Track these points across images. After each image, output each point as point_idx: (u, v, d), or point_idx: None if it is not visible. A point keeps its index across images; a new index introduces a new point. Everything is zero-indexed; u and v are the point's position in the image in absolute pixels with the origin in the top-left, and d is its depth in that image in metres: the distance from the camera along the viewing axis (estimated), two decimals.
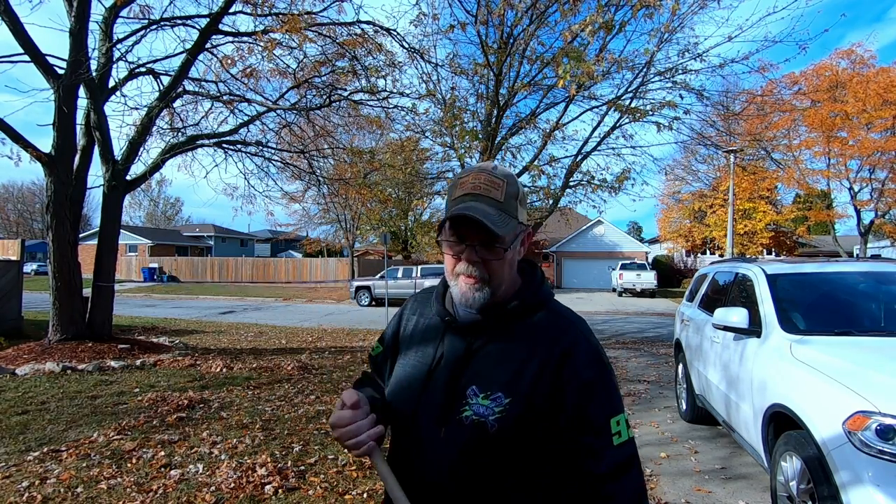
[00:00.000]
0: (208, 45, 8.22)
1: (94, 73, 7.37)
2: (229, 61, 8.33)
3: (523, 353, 0.98)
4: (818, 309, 3.65)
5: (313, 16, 7.88)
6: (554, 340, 0.98)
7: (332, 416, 0.99)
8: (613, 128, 10.33)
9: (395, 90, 9.12)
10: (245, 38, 8.28)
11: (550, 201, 10.73)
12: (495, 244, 0.97)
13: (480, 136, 9.32)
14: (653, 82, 9.90)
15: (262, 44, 7.83)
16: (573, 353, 0.96)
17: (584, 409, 0.94)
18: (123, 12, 7.64)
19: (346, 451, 1.00)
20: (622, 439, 0.94)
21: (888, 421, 2.19)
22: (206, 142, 8.89)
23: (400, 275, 20.20)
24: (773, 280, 3.79)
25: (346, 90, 9.15)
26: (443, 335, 1.06)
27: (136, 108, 8.31)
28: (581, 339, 0.99)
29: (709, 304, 4.92)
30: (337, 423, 0.97)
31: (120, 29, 7.93)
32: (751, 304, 3.79)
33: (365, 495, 3.29)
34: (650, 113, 9.56)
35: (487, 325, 1.01)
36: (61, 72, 7.21)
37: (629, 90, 9.82)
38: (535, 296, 1.04)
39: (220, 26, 8.01)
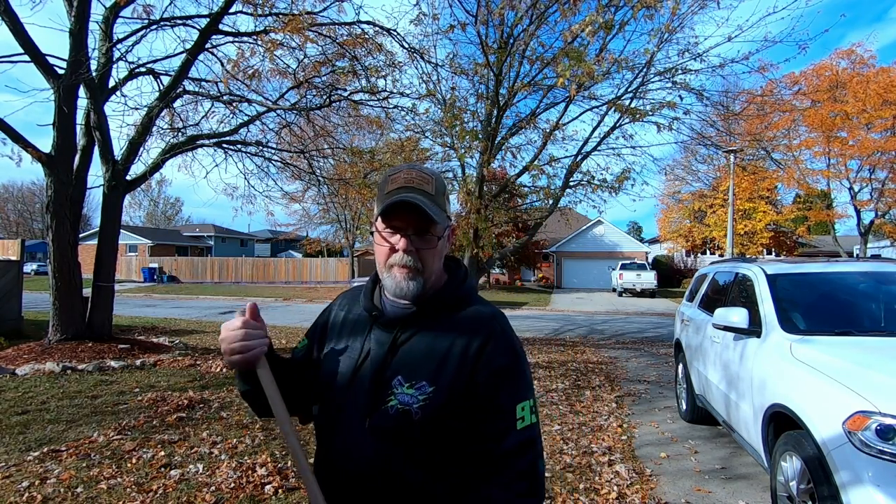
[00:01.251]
0: (208, 46, 8.21)
1: (94, 73, 7.36)
2: (234, 66, 8.32)
3: (446, 345, 1.03)
4: (818, 309, 3.65)
5: (314, 16, 7.88)
6: (474, 333, 1.03)
7: (225, 324, 1.04)
8: (613, 128, 10.32)
9: (395, 90, 9.11)
10: (245, 39, 8.27)
11: (550, 201, 10.72)
12: (428, 233, 1.03)
13: (480, 136, 9.31)
14: (653, 82, 9.89)
15: (263, 45, 7.82)
16: (489, 344, 1.02)
17: (494, 395, 1.00)
18: (124, 12, 7.64)
19: (227, 359, 1.02)
20: (525, 423, 1.00)
21: (888, 421, 2.19)
22: (206, 142, 8.89)
23: None
24: (773, 280, 3.79)
25: (346, 90, 9.13)
26: (370, 329, 1.09)
27: (136, 108, 8.31)
28: (497, 331, 1.05)
29: (709, 304, 4.92)
30: (226, 326, 1.02)
31: (120, 29, 7.91)
32: (751, 304, 3.79)
33: None
34: (650, 113, 9.54)
35: (413, 318, 1.06)
36: (61, 72, 7.20)
37: (629, 90, 9.81)
38: (459, 291, 1.10)
39: (221, 26, 8.00)
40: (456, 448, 1.00)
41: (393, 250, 1.04)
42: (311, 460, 1.11)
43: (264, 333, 1.05)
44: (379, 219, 1.06)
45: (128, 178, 8.40)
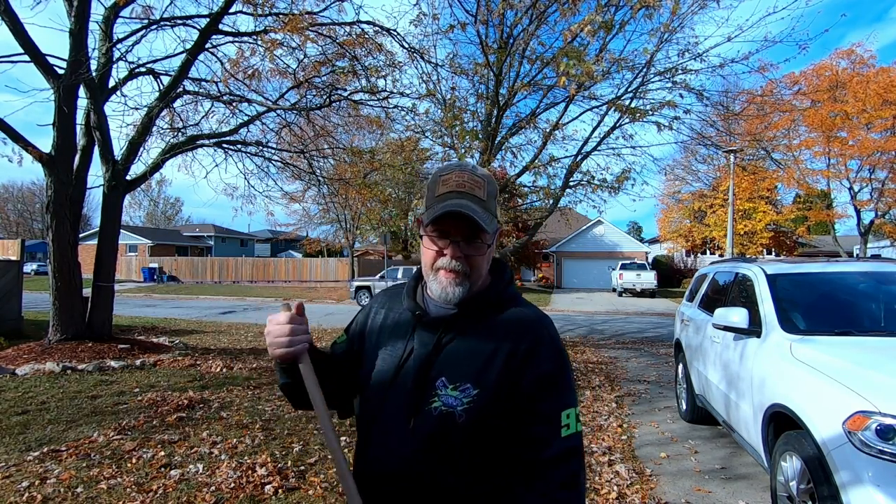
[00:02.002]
0: (208, 46, 8.22)
1: (94, 73, 7.36)
2: (234, 65, 8.32)
3: (491, 348, 1.01)
4: (818, 309, 3.65)
5: (314, 16, 7.88)
6: (520, 336, 1.02)
7: (270, 317, 1.05)
8: (613, 128, 10.32)
9: (395, 90, 9.11)
10: (245, 38, 8.28)
11: (550, 201, 10.72)
12: (477, 240, 1.02)
13: (480, 136, 9.31)
14: (653, 82, 9.89)
15: (263, 45, 7.83)
16: (536, 348, 1.01)
17: (538, 401, 0.98)
18: (124, 12, 7.64)
19: (272, 351, 1.05)
20: (570, 431, 0.99)
21: (888, 421, 2.19)
22: (206, 142, 8.89)
23: (400, 275, 20.19)
24: (773, 280, 3.79)
25: (346, 90, 9.14)
26: (413, 330, 1.08)
27: (136, 108, 8.32)
28: (545, 335, 1.03)
29: (709, 304, 4.92)
30: (273, 320, 1.04)
31: (120, 29, 7.92)
32: (751, 304, 3.79)
33: None
34: (650, 113, 9.54)
35: (457, 319, 1.04)
36: (61, 72, 7.20)
37: (629, 90, 9.81)
38: (503, 293, 1.09)
39: (221, 26, 8.01)
40: (498, 451, 0.99)
41: (440, 254, 1.03)
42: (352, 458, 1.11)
43: (307, 329, 1.06)
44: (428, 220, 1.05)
45: (128, 178, 8.40)
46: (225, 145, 9.14)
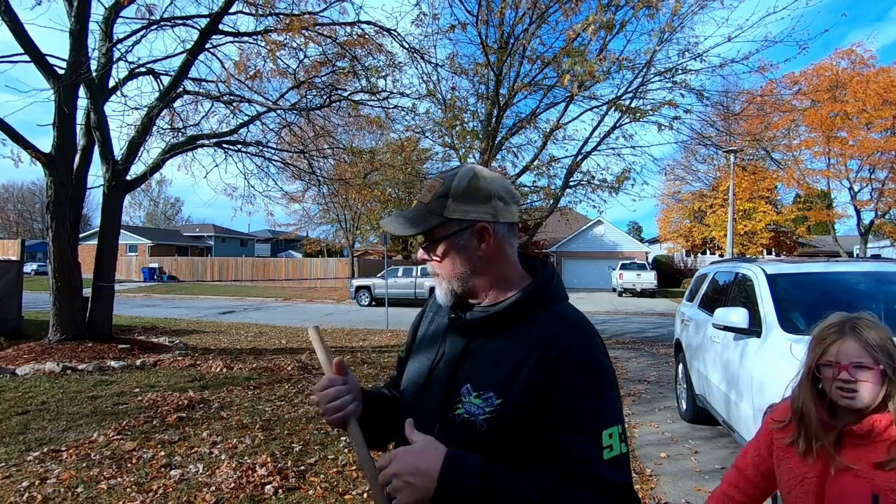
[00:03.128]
0: (209, 46, 8.22)
1: (94, 74, 7.37)
2: (238, 67, 8.33)
3: (520, 354, 0.95)
4: (818, 309, 3.62)
5: (314, 16, 7.89)
6: (552, 341, 0.94)
7: (315, 386, 1.06)
8: (613, 128, 10.34)
9: (395, 90, 9.14)
10: (246, 39, 8.28)
11: (550, 201, 10.74)
12: (427, 242, 1.04)
13: (481, 136, 9.33)
14: (653, 82, 9.92)
15: (266, 45, 7.84)
16: (569, 356, 0.92)
17: (574, 416, 0.89)
18: (125, 12, 7.64)
19: (322, 419, 1.07)
20: (613, 453, 0.87)
21: None
22: (206, 142, 8.89)
23: (400, 275, 20.20)
24: (773, 280, 3.79)
25: (346, 90, 9.15)
26: (446, 332, 1.07)
27: (136, 108, 8.32)
28: (580, 341, 0.95)
29: (709, 304, 4.92)
30: (315, 388, 1.04)
31: (120, 29, 7.94)
32: (751, 304, 3.79)
33: (365, 495, 3.29)
34: (650, 113, 9.57)
35: (489, 323, 1.01)
36: (61, 72, 7.21)
37: (629, 90, 9.83)
38: (539, 294, 1.01)
39: (221, 26, 8.02)
40: (521, 465, 0.91)
41: None
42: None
43: (351, 388, 1.05)
44: None
45: (128, 178, 8.40)
46: (225, 145, 9.14)
